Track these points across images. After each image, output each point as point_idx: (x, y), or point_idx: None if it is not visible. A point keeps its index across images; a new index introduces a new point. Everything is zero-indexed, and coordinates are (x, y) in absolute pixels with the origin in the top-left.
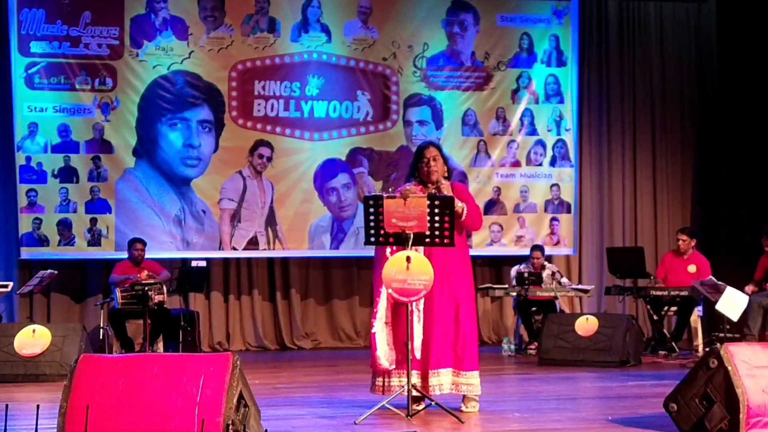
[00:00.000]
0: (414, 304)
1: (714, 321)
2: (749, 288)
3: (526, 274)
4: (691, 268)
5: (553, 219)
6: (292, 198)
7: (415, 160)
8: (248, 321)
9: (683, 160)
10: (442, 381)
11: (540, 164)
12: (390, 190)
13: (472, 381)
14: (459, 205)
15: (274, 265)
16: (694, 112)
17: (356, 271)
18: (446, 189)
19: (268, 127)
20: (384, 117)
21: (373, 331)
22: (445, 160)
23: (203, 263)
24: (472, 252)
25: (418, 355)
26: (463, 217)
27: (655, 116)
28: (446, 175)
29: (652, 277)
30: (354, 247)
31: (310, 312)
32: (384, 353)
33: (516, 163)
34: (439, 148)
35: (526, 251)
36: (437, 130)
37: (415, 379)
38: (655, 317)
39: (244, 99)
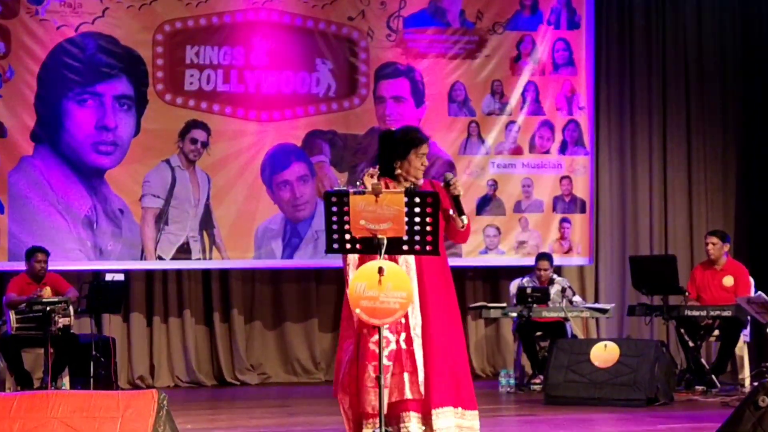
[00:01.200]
0: (411, 328)
1: (765, 348)
2: None
3: (529, 290)
4: (727, 281)
5: (564, 220)
6: (233, 194)
7: (403, 150)
8: (178, 350)
9: (725, 149)
10: (447, 424)
11: (547, 151)
12: (357, 184)
13: (474, 423)
14: (462, 220)
15: (210, 279)
16: (739, 89)
17: (315, 286)
18: (419, 184)
19: (204, 105)
20: (350, 92)
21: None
22: None
23: (121, 277)
24: (461, 262)
25: (420, 392)
26: (464, 227)
27: (691, 93)
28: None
29: (686, 293)
30: (312, 256)
31: (257, 338)
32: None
33: (517, 150)
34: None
35: (530, 261)
36: (417, 109)
37: (416, 425)
38: (690, 344)
39: (173, 69)
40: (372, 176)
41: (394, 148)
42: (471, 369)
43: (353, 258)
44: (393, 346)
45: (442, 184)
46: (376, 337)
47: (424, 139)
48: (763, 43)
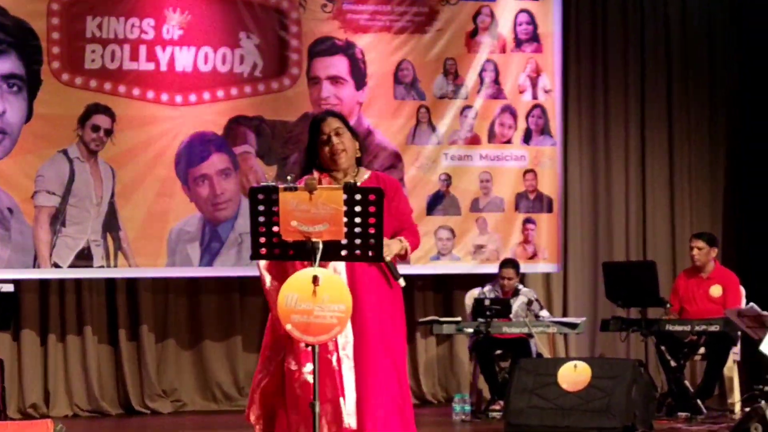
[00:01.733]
0: (341, 347)
1: (757, 369)
2: None
3: (487, 302)
4: (715, 291)
5: (528, 221)
6: (142, 191)
7: (310, 140)
8: (77, 373)
9: (712, 139)
10: None
11: (508, 141)
12: (289, 178)
13: None
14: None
15: (115, 290)
16: (731, 75)
17: (238, 298)
18: (361, 178)
19: (107, 86)
20: (279, 71)
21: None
22: (355, 135)
23: (10, 287)
24: (409, 269)
25: (352, 423)
26: (408, 255)
27: (673, 76)
28: (359, 155)
29: (668, 306)
30: (235, 263)
31: (170, 359)
32: None
33: (474, 140)
34: (342, 118)
35: (488, 268)
36: (358, 91)
37: None
38: (672, 363)
39: (72, 44)
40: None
41: (308, 143)
42: (420, 394)
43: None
44: (333, 367)
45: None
46: (310, 366)
47: (318, 121)
48: (756, 20)
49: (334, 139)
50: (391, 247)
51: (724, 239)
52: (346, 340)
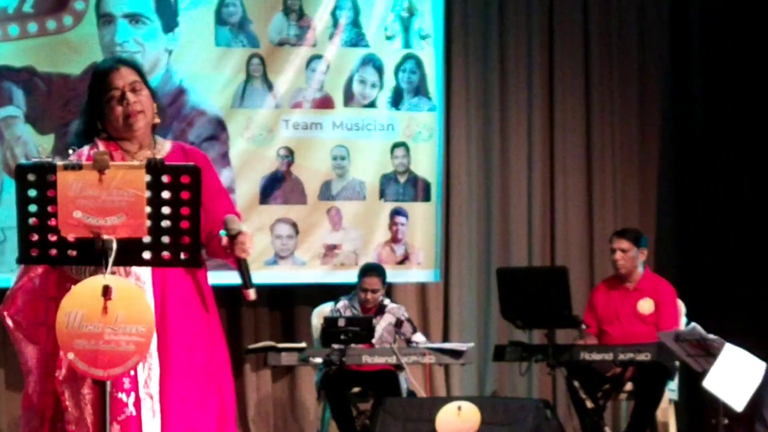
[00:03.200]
0: (141, 384)
1: (700, 411)
2: None
3: (342, 323)
4: (645, 306)
5: (398, 212)
6: None
7: (92, 97)
8: None
9: (643, 114)
10: None
11: (372, 104)
12: (71, 152)
13: None
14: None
15: None
16: (662, 49)
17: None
18: (162, 151)
19: None
20: (58, 6)
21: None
22: (153, 92)
23: None
24: (234, 278)
25: None
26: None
27: (590, 22)
28: (157, 121)
29: (583, 327)
30: None
31: None
32: None
33: (324, 102)
34: (138, 68)
35: (344, 276)
36: (167, 34)
37: None
38: (589, 404)
39: None
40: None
41: (86, 100)
42: None
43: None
44: (129, 411)
45: (222, 232)
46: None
47: (107, 68)
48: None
49: (130, 97)
50: (247, 245)
51: (657, 239)
52: (148, 373)
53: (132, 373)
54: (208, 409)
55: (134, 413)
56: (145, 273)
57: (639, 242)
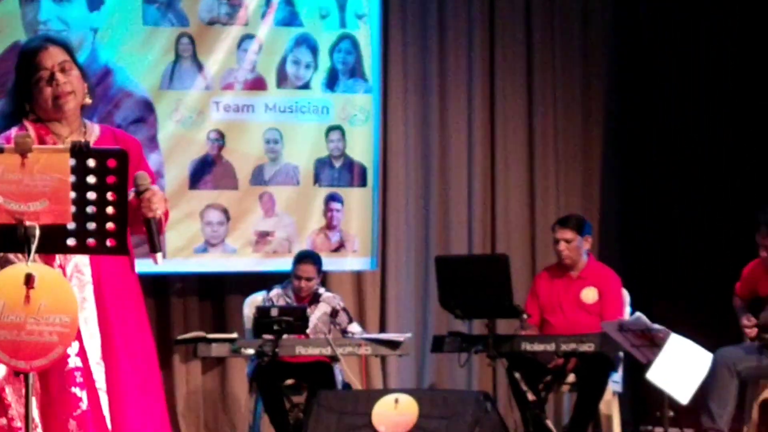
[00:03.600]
0: (96, 377)
1: (646, 402)
2: (747, 325)
3: (275, 312)
4: (588, 296)
5: (333, 198)
6: None
7: (19, 78)
8: None
9: (587, 97)
10: None
11: (306, 86)
12: None
13: None
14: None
15: None
16: (607, 33)
17: None
18: (92, 135)
19: None
20: None
21: None
22: (83, 71)
23: None
24: (164, 266)
25: None
26: (163, 227)
27: (533, 15)
28: (88, 102)
29: (524, 316)
30: None
31: None
32: None
33: (257, 84)
34: (68, 48)
35: (278, 264)
36: (92, 12)
37: None
38: (530, 396)
39: None
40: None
41: (15, 80)
42: None
43: None
44: (84, 406)
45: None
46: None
47: (35, 47)
48: None
49: (60, 77)
50: (155, 203)
51: (600, 228)
52: (97, 367)
53: (79, 362)
54: (154, 398)
55: (88, 408)
56: (84, 262)
57: (582, 230)
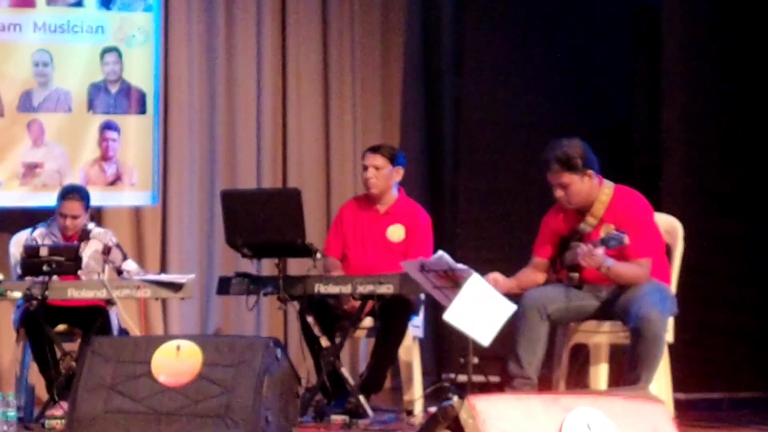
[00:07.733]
0: None
1: (448, 349)
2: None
3: (45, 252)
4: (395, 233)
5: (108, 126)
6: None
7: None
8: None
9: (385, 33)
10: None
11: (78, 3)
12: None
13: None
14: None
15: None
16: None
17: None
18: None
19: None
20: None
21: None
22: None
23: None
24: None
25: None
26: None
27: None
28: None
29: (319, 256)
30: None
31: None
32: None
33: (24, 0)
34: None
35: (48, 199)
36: None
37: None
38: (324, 342)
39: None
40: None
41: None
42: None
43: None
44: None
45: None
46: None
47: None
48: None
49: None
50: None
51: (411, 162)
52: None
53: None
54: None
55: None
56: None
57: (395, 160)
